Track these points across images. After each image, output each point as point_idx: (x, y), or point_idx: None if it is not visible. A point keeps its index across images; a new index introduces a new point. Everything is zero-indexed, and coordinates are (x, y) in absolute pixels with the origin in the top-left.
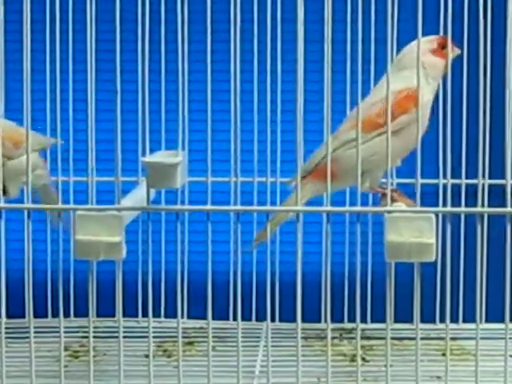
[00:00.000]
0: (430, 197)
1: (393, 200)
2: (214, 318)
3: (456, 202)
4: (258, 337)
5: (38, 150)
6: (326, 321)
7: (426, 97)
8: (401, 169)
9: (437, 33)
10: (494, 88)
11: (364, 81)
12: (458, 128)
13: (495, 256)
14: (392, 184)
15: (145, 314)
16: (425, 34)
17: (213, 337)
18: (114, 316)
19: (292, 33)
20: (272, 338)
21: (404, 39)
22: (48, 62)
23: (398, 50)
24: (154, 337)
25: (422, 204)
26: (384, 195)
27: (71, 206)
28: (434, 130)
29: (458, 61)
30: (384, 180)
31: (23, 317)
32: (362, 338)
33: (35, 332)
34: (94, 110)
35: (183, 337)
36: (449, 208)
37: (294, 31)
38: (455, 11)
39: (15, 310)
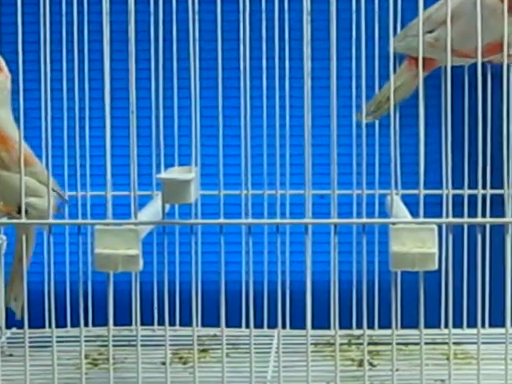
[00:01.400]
0: (433, 207)
1: None
2: (227, 326)
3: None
4: (270, 343)
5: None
6: (334, 327)
7: None
8: (404, 180)
9: None
10: (494, 99)
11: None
12: (459, 139)
13: (497, 263)
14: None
15: (161, 323)
16: None
17: (226, 344)
18: (131, 325)
19: (299, 50)
20: (283, 344)
21: None
22: (65, 80)
23: None
24: (170, 345)
25: (425, 215)
26: None
27: (90, 220)
28: (436, 141)
29: (458, 71)
30: (387, 191)
31: (44, 327)
32: (370, 343)
33: (56, 341)
34: (110, 127)
35: (198, 344)
36: (450, 219)
37: (301, 48)
38: None
39: (37, 320)
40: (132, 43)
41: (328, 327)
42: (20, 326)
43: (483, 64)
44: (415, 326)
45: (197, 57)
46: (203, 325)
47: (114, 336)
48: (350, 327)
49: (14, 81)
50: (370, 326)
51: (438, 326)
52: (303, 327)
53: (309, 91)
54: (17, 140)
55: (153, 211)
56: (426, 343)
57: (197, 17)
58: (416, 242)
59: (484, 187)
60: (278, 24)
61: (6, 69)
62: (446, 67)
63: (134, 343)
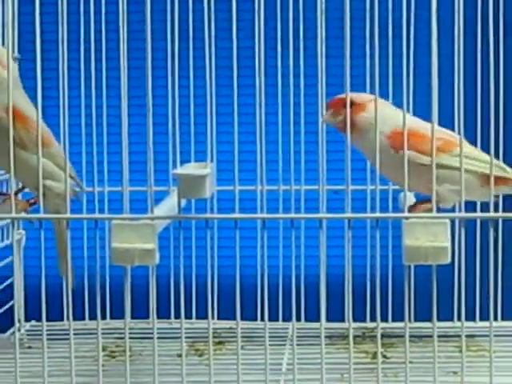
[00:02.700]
0: None
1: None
2: (242, 319)
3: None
4: (285, 336)
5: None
6: (348, 320)
7: None
8: None
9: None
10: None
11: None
12: (471, 129)
13: (509, 257)
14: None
15: (177, 316)
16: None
17: (242, 336)
18: (148, 318)
19: (313, 48)
20: (297, 337)
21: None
22: (83, 78)
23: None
24: (186, 337)
25: (438, 209)
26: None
27: (107, 215)
28: None
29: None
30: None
31: (62, 320)
32: (383, 336)
33: (74, 334)
34: (126, 124)
35: (214, 337)
36: (463, 213)
37: (316, 47)
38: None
39: (55, 313)
40: (148, 41)
41: (342, 320)
42: (38, 319)
43: None
44: (428, 319)
45: (212, 55)
46: (219, 318)
47: (131, 329)
48: (364, 320)
49: (32, 79)
50: (384, 319)
51: (451, 319)
52: (317, 320)
53: (323, 89)
54: (35, 120)
55: (169, 206)
56: (439, 336)
57: (212, 16)
58: (429, 236)
59: None
60: (293, 24)
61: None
62: None
63: (150, 336)
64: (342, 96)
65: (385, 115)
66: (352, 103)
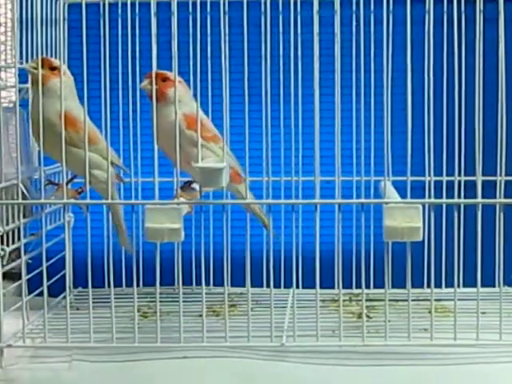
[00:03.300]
0: (418, 190)
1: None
2: (251, 286)
3: (440, 194)
4: (286, 300)
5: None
6: (338, 287)
7: None
8: (394, 168)
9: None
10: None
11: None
12: (439, 130)
13: (470, 236)
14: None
15: (198, 283)
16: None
17: (251, 300)
18: (174, 285)
19: (310, 56)
20: (297, 300)
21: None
22: (120, 82)
23: None
24: (205, 301)
25: (412, 196)
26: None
27: (141, 201)
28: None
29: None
30: (381, 178)
31: (104, 287)
32: (367, 300)
33: (114, 298)
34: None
35: (228, 300)
36: (432, 199)
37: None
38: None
39: (98, 281)
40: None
41: (333, 287)
42: (85, 286)
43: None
44: (404, 285)
45: (227, 68)
46: (232, 285)
47: (160, 293)
48: (351, 287)
49: (79, 82)
50: (367, 286)
51: (422, 286)
52: (313, 287)
53: (317, 100)
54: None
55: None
56: (413, 300)
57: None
58: (405, 218)
59: (460, 174)
60: (294, 28)
61: (68, 72)
62: None
63: (176, 299)
64: (159, 71)
65: (187, 99)
66: (166, 78)
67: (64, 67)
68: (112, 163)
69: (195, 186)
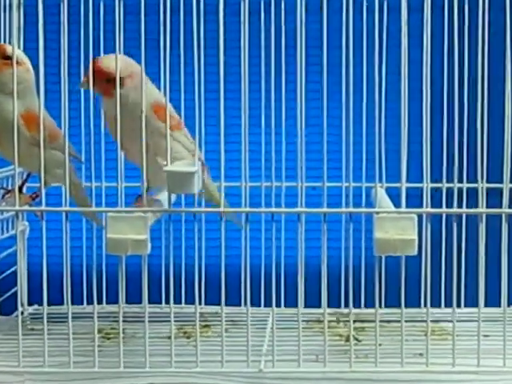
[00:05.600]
0: (415, 198)
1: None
2: (227, 304)
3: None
4: (265, 320)
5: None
6: (323, 306)
7: None
8: (389, 173)
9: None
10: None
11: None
12: (438, 136)
13: (471, 250)
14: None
15: (167, 301)
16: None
17: (226, 320)
18: (140, 303)
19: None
20: (277, 321)
21: None
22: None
23: None
24: (175, 320)
25: (408, 205)
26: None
27: (104, 208)
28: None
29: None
30: (372, 184)
31: (62, 304)
32: (356, 320)
33: (73, 317)
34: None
35: (200, 320)
36: (429, 209)
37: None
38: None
39: (55, 298)
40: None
41: (318, 306)
42: (40, 303)
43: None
44: (397, 305)
45: (201, 64)
46: (206, 303)
47: (124, 313)
48: (339, 306)
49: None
50: (356, 305)
51: (418, 306)
52: (295, 306)
53: (302, 96)
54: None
55: (160, 200)
56: (407, 321)
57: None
58: (397, 229)
59: (460, 181)
60: (274, 28)
61: (28, 64)
62: None
63: (142, 319)
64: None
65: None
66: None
67: (22, 56)
68: (70, 154)
69: (161, 196)
